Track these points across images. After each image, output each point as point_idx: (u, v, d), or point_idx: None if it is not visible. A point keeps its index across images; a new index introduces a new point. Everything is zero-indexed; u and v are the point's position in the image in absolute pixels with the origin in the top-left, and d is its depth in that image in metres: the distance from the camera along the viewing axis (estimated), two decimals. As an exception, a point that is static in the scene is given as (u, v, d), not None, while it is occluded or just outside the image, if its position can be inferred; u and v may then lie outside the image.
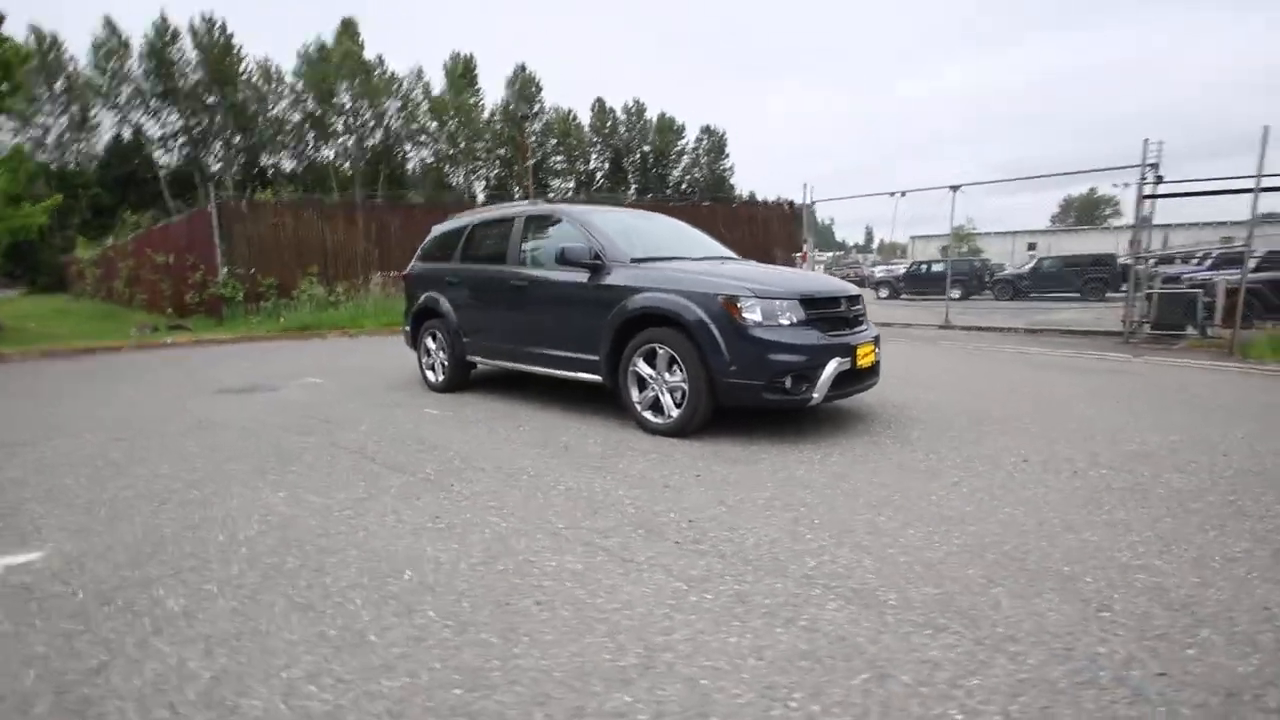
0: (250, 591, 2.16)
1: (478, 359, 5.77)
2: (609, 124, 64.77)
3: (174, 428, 4.61)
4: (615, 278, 4.53)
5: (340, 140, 55.39)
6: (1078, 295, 21.92)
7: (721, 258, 5.24)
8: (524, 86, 61.50)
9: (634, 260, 4.61)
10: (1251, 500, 2.91)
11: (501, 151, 61.62)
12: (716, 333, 3.95)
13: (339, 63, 50.76)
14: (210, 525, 2.75)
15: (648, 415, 4.35)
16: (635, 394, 4.41)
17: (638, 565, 2.33)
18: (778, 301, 4.00)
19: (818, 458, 3.66)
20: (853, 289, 4.58)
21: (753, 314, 3.93)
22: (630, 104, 65.20)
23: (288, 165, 54.88)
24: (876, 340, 4.49)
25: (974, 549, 2.42)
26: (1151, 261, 10.94)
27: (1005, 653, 1.76)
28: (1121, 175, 10.48)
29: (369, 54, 53.26)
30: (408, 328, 6.53)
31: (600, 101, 64.71)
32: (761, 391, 3.93)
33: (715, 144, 67.44)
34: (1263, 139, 8.61)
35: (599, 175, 65.76)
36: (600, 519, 2.79)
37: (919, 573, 2.24)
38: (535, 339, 5.12)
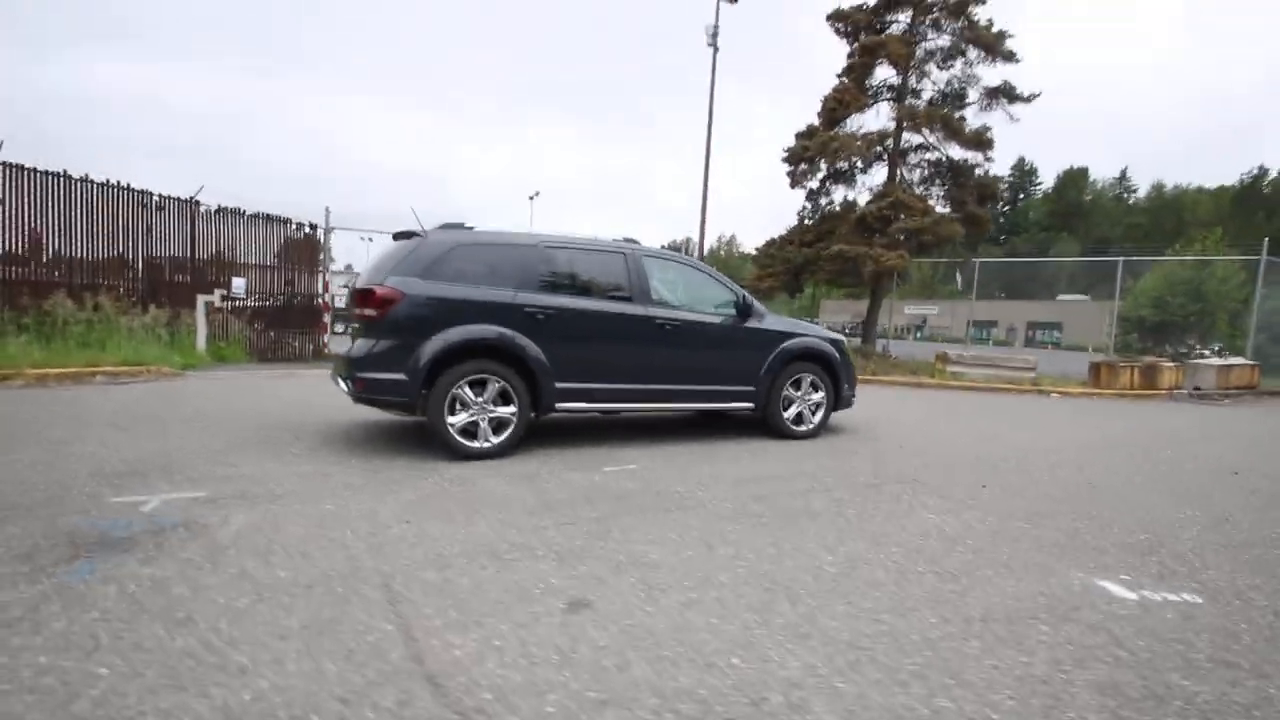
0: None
1: (572, 405, 5.10)
2: None
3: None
4: (769, 324, 5.87)
5: None
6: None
7: None
8: None
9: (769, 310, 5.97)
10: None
11: None
12: (843, 365, 6.19)
13: None
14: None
15: (795, 427, 5.96)
16: (784, 413, 5.89)
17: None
18: (845, 341, 6.51)
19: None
20: None
21: (844, 353, 6.36)
22: None
23: None
24: None
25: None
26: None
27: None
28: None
29: None
30: (394, 376, 4.52)
31: None
32: (851, 399, 6.39)
33: None
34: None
35: None
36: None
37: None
38: (680, 378, 5.53)
